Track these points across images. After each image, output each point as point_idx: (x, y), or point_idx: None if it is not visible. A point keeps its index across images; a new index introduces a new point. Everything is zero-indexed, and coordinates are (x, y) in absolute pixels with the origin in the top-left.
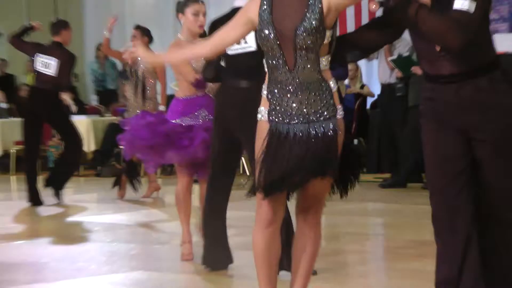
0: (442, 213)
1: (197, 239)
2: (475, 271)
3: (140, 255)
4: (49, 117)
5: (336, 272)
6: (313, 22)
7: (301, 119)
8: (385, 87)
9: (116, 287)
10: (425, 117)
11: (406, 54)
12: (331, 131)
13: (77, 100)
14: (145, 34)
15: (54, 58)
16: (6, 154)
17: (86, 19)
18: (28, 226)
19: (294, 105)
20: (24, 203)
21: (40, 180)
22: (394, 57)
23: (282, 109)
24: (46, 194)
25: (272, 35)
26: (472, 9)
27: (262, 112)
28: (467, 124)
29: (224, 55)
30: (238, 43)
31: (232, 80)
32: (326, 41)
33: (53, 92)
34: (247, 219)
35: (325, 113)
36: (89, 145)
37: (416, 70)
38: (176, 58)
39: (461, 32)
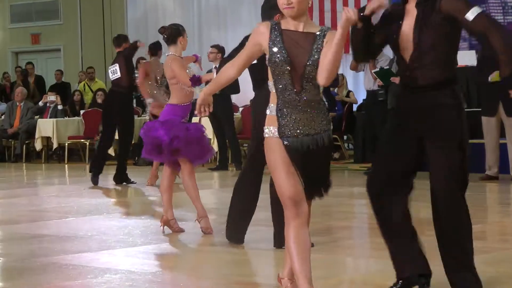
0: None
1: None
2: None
3: (168, 230)
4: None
5: (328, 245)
6: (317, 58)
7: (307, 132)
8: (369, 93)
9: (148, 255)
10: (392, 119)
11: (386, 67)
12: (329, 140)
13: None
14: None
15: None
16: (61, 147)
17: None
18: (78, 205)
19: (301, 121)
20: (75, 187)
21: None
22: (377, 69)
23: (291, 125)
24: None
25: (284, 66)
26: (480, 10)
27: (272, 129)
28: (423, 129)
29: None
30: None
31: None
32: None
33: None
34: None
35: (325, 126)
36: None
37: (395, 80)
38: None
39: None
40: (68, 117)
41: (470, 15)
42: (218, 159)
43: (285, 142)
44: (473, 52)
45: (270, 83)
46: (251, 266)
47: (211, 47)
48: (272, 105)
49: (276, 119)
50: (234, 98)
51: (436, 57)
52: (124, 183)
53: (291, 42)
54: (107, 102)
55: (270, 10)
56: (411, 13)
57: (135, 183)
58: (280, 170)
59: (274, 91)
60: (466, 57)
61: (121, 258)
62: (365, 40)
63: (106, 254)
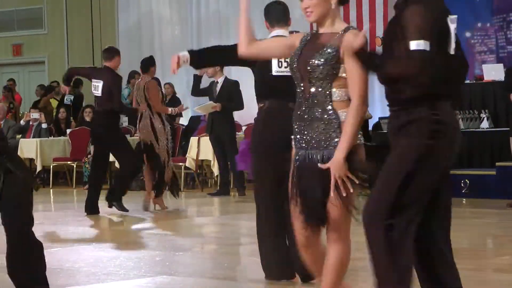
0: None
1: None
2: None
3: (164, 261)
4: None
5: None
6: (327, 56)
7: (314, 145)
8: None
9: None
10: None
11: None
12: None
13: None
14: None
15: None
16: (46, 170)
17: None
18: (64, 234)
19: (306, 132)
20: (60, 213)
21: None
22: None
23: (298, 136)
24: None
25: (294, 71)
26: (428, 47)
27: (292, 139)
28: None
29: (268, 76)
30: (280, 66)
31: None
32: (340, 75)
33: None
34: None
35: (332, 141)
36: None
37: None
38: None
39: (421, 68)
40: (53, 136)
41: (412, 45)
42: (218, 183)
43: (296, 153)
44: (501, 65)
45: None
46: None
47: None
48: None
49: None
50: (237, 116)
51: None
52: (114, 207)
53: (308, 46)
54: (94, 124)
55: None
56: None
57: (127, 211)
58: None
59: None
60: (493, 71)
61: None
62: None
63: None
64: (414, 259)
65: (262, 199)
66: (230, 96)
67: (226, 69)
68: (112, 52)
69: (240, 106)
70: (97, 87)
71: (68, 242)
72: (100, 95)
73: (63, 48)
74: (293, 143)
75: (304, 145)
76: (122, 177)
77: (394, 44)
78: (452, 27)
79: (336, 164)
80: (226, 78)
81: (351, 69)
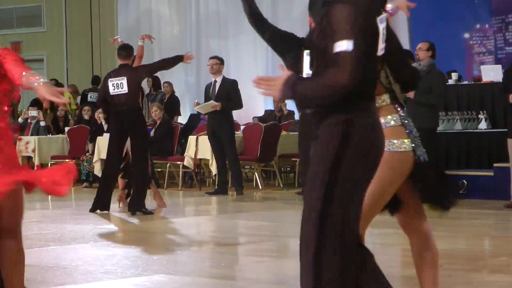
0: None
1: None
2: None
3: (161, 260)
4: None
5: None
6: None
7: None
8: None
9: None
10: None
11: None
12: None
13: (108, 119)
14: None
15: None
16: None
17: None
18: (61, 232)
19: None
20: (57, 211)
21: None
22: None
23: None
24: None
25: None
26: (350, 48)
27: (405, 142)
28: None
29: None
30: None
31: None
32: None
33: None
34: (257, 228)
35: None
36: None
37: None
38: None
39: (348, 71)
40: (52, 134)
41: (337, 46)
42: (216, 182)
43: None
44: (499, 67)
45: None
46: None
47: (212, 58)
48: (392, 115)
49: (404, 130)
50: (235, 114)
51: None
52: (139, 212)
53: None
54: (117, 124)
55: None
56: None
57: (152, 213)
58: (390, 193)
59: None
60: (492, 72)
61: None
62: None
63: (93, 286)
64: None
65: None
66: (229, 95)
67: (225, 68)
68: (129, 51)
69: (239, 105)
70: (120, 85)
71: (66, 240)
72: (126, 91)
73: (62, 46)
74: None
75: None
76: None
77: (318, 41)
78: (381, 26)
79: None
80: (224, 78)
81: None
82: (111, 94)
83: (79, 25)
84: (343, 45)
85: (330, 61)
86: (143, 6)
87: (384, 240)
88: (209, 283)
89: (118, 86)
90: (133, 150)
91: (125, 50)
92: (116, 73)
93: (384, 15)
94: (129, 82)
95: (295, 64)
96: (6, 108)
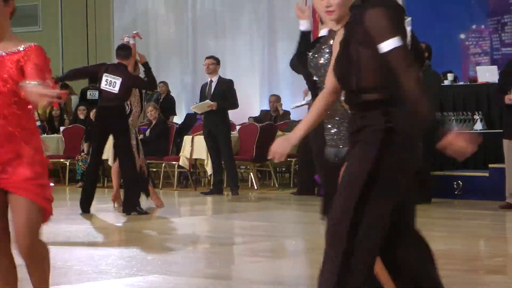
0: None
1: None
2: None
3: (156, 260)
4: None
5: None
6: (328, 55)
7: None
8: None
9: None
10: None
11: None
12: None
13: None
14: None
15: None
16: None
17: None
18: (56, 232)
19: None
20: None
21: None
22: None
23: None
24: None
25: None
26: (400, 43)
27: None
28: None
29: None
30: None
31: None
32: None
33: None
34: (252, 228)
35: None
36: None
37: None
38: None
39: (409, 65)
40: (47, 134)
41: (385, 46)
42: (212, 182)
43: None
44: (495, 67)
45: None
46: None
47: (208, 58)
48: None
49: None
50: (231, 114)
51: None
52: (133, 212)
53: (318, 49)
54: (101, 120)
55: None
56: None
57: (148, 213)
58: None
59: None
60: (487, 73)
61: None
62: None
63: (87, 286)
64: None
65: None
66: (225, 95)
67: (221, 68)
68: (128, 51)
69: (235, 105)
70: (113, 83)
71: (60, 240)
72: (116, 92)
73: (58, 45)
74: None
75: None
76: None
77: (352, 47)
78: (408, 29)
79: None
80: (220, 77)
81: None
82: (102, 88)
83: (75, 25)
84: (391, 44)
85: (366, 65)
86: (139, 6)
87: None
88: (204, 283)
89: (111, 83)
90: (117, 151)
91: (124, 50)
92: (112, 70)
93: (409, 19)
94: (123, 84)
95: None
96: (30, 106)
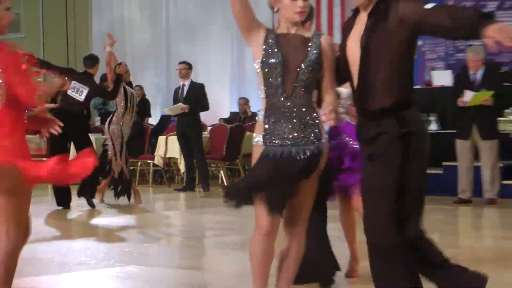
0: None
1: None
2: None
3: (132, 252)
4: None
5: None
6: (315, 56)
7: (292, 142)
8: None
9: (112, 279)
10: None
11: None
12: (316, 152)
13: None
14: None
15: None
16: None
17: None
18: (37, 226)
19: (286, 130)
20: (34, 206)
21: (50, 187)
22: None
23: (275, 132)
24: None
25: (278, 68)
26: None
27: (258, 137)
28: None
29: None
30: None
31: None
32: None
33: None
34: (223, 222)
35: (313, 139)
36: None
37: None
38: None
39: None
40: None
41: (430, 5)
42: (185, 180)
43: (266, 150)
44: (449, 72)
45: (260, 88)
46: None
47: (181, 63)
48: (262, 111)
49: (263, 126)
50: (203, 116)
51: (388, 72)
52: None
53: (286, 44)
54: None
55: None
56: (360, 23)
57: (94, 207)
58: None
59: (263, 97)
60: (442, 77)
61: (83, 282)
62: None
63: (67, 277)
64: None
65: None
66: (197, 98)
67: (193, 72)
68: (94, 61)
69: (206, 107)
70: (80, 92)
71: (42, 234)
72: (82, 100)
73: (40, 51)
74: (261, 140)
75: (280, 142)
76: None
77: (382, 45)
78: None
79: None
80: (192, 81)
81: None
82: (69, 93)
83: (56, 31)
84: (434, 3)
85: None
86: (116, 13)
87: (340, 234)
88: (178, 274)
89: (78, 91)
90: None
91: (90, 59)
92: (80, 79)
93: None
94: (89, 93)
95: None
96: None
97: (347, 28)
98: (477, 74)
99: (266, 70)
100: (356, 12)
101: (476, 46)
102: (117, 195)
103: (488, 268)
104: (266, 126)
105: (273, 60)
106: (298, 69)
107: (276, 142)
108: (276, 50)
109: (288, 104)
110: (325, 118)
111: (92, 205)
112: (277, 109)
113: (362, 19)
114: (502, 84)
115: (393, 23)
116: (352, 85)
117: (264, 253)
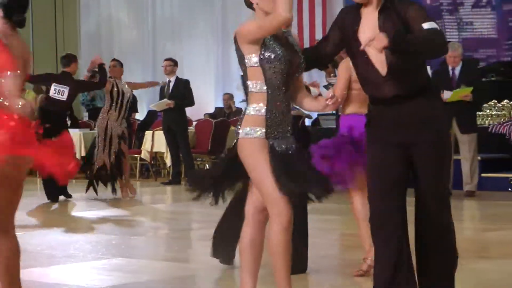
0: (376, 220)
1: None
2: (407, 278)
3: (119, 245)
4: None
5: None
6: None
7: (282, 135)
8: None
9: (99, 271)
10: (369, 139)
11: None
12: (294, 146)
13: (71, 116)
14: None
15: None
16: None
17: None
18: (26, 219)
19: (285, 123)
20: (24, 200)
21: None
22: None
23: (277, 127)
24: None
25: (283, 65)
26: (438, 27)
27: (258, 130)
28: (406, 138)
29: None
30: None
31: None
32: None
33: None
34: (208, 215)
35: (290, 129)
36: (80, 153)
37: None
38: None
39: (444, 40)
40: None
41: (427, 25)
42: (171, 173)
43: (271, 143)
44: (428, 68)
45: (252, 82)
46: (203, 280)
47: (166, 60)
48: (260, 105)
49: (265, 120)
50: (188, 111)
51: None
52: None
53: (282, 40)
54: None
55: None
56: (369, 17)
57: (71, 197)
58: (268, 171)
59: (259, 91)
60: None
61: (71, 274)
62: (312, 49)
63: (56, 269)
64: None
65: None
66: (182, 94)
67: (178, 69)
68: (70, 59)
69: (191, 103)
70: (62, 92)
71: (31, 227)
72: (64, 99)
73: (29, 49)
74: (263, 134)
75: (279, 135)
76: None
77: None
78: None
79: None
80: (177, 78)
81: None
82: (51, 95)
83: (44, 32)
84: (433, 24)
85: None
86: (103, 12)
87: (324, 225)
88: (164, 266)
89: (59, 92)
90: None
91: (65, 58)
92: (60, 80)
93: None
94: (70, 92)
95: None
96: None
97: (352, 23)
98: (456, 70)
99: (270, 66)
100: (357, 7)
101: (454, 43)
102: (95, 189)
103: (468, 259)
104: (269, 120)
105: (275, 59)
106: (297, 68)
107: (279, 136)
108: (276, 47)
109: (285, 99)
110: (331, 101)
111: (69, 195)
112: (277, 104)
113: (369, 13)
114: (480, 80)
115: (401, 22)
116: (363, 74)
117: (286, 245)
